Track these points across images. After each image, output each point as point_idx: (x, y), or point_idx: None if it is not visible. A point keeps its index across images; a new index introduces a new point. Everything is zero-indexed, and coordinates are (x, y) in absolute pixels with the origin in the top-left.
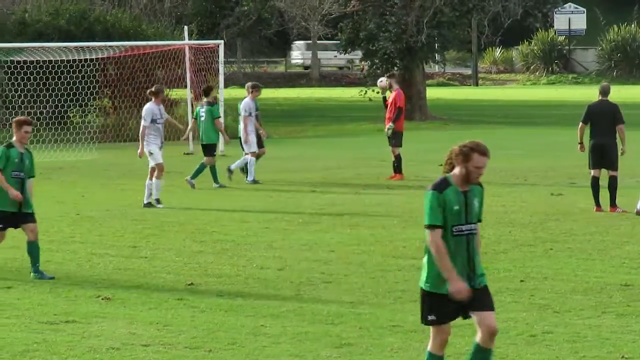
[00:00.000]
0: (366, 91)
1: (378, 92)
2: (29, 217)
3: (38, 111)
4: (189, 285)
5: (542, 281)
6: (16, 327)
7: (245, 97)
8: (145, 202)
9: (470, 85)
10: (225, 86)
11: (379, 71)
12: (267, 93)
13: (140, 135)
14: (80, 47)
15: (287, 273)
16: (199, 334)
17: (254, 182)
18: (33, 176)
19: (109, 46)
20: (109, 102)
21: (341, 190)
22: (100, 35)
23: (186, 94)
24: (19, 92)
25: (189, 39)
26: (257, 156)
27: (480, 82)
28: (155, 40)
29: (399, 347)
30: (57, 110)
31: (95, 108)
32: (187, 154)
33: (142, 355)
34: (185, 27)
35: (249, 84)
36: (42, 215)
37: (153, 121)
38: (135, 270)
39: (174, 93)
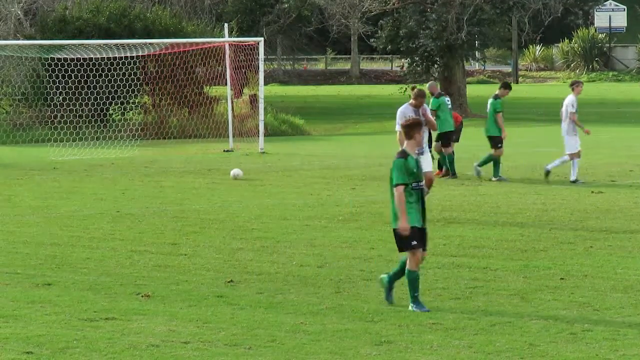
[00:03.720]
0: (406, 89)
1: None
2: None
3: (79, 108)
4: (229, 282)
5: (582, 279)
6: (56, 323)
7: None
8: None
9: (510, 82)
10: (266, 83)
11: (418, 69)
12: (307, 90)
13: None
14: (121, 45)
15: (327, 270)
16: (238, 332)
17: (576, 182)
18: None
19: (149, 44)
20: (149, 99)
21: (381, 187)
22: (140, 33)
23: (226, 91)
24: (60, 90)
25: (229, 37)
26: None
27: (520, 79)
28: (195, 37)
29: (438, 345)
30: (97, 108)
31: (135, 105)
32: (227, 151)
33: (181, 352)
34: (226, 25)
35: (573, 81)
36: (83, 212)
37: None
38: (175, 267)
39: (214, 90)
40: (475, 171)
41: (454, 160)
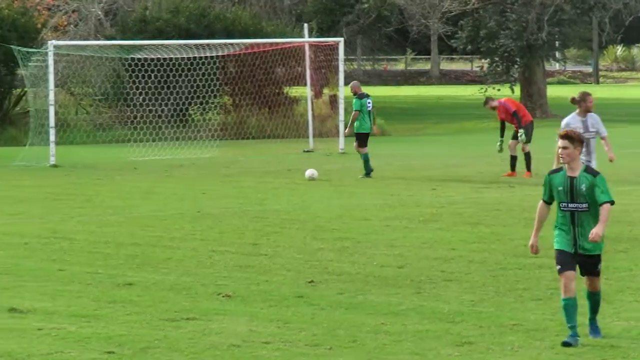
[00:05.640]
0: (486, 89)
1: (499, 90)
2: None
3: (159, 108)
4: (310, 282)
5: None
6: (137, 323)
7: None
8: None
9: (590, 83)
10: (346, 84)
11: (499, 69)
12: (387, 91)
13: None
14: (200, 45)
15: (408, 271)
16: (319, 332)
17: None
18: None
19: (229, 44)
20: (229, 99)
21: (461, 188)
22: (220, 33)
23: (306, 91)
24: (140, 90)
25: (309, 37)
26: None
27: (601, 80)
28: (275, 37)
29: (519, 346)
30: (177, 108)
31: (215, 105)
32: (307, 151)
33: (262, 352)
34: (305, 25)
35: None
36: (163, 212)
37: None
38: (256, 267)
39: (294, 91)
40: None
41: (369, 159)
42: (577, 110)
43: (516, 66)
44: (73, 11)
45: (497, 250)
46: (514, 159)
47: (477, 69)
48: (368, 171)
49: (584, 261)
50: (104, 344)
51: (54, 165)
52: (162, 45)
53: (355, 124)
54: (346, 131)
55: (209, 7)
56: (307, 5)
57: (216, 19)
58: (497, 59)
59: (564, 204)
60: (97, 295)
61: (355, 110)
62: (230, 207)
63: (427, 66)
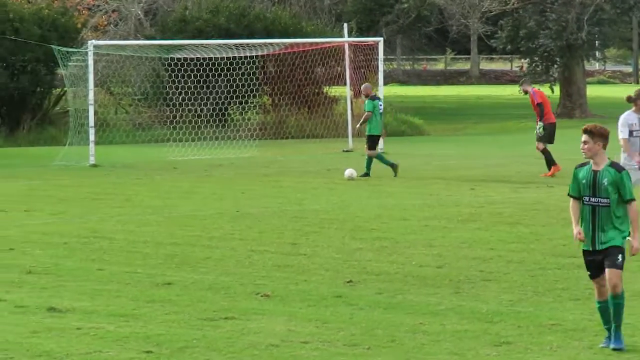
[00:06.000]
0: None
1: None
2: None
3: (198, 108)
4: (348, 282)
5: None
6: (176, 323)
7: None
8: None
9: (630, 83)
10: (385, 83)
11: (538, 69)
12: (426, 91)
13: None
14: (240, 45)
15: (446, 271)
16: (357, 332)
17: None
18: None
19: (269, 43)
20: (269, 99)
21: (500, 188)
22: (260, 33)
23: (345, 91)
24: (180, 89)
25: (349, 36)
26: None
27: None
28: (314, 37)
29: (558, 346)
30: (217, 108)
31: (254, 105)
32: (346, 151)
33: (301, 352)
34: (345, 25)
35: None
36: (203, 212)
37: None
38: (295, 267)
39: (334, 90)
40: None
41: (372, 162)
42: (633, 108)
43: (556, 66)
44: (113, 11)
45: (536, 250)
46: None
47: (517, 68)
48: (367, 172)
49: (605, 255)
50: (142, 343)
51: (94, 165)
52: (201, 45)
53: (367, 126)
54: (357, 127)
55: (248, 6)
56: (346, 5)
57: (256, 18)
58: (536, 58)
59: (586, 197)
60: (136, 295)
61: (368, 111)
62: (269, 207)
63: (466, 66)
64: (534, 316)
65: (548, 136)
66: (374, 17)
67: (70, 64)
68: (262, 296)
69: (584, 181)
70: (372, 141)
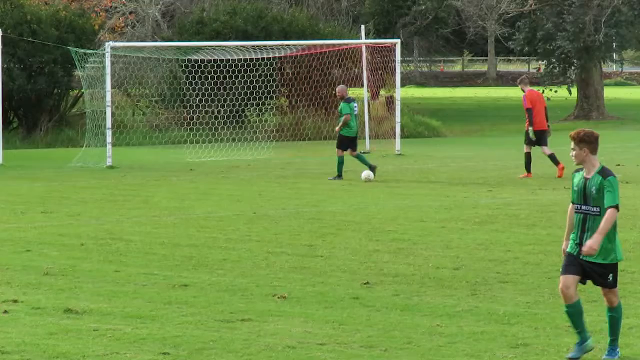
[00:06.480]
0: (543, 90)
1: (556, 91)
2: None
3: (215, 110)
4: (365, 284)
5: None
6: (193, 324)
7: None
8: None
9: None
10: (402, 85)
11: (555, 71)
12: (443, 92)
13: None
14: (257, 46)
15: (463, 272)
16: (374, 333)
17: None
18: None
19: (286, 45)
20: (286, 101)
21: (517, 190)
22: (277, 35)
23: (363, 93)
24: (197, 91)
25: (366, 38)
26: None
27: None
28: (332, 39)
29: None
30: (234, 109)
31: (271, 107)
32: (363, 152)
33: (318, 354)
34: (362, 26)
35: None
36: (219, 213)
37: None
38: (311, 269)
39: (351, 92)
40: None
41: (343, 162)
42: None
43: (573, 68)
44: (130, 13)
45: (553, 252)
46: (552, 157)
47: (534, 70)
48: (339, 174)
49: (590, 269)
50: (159, 345)
51: (111, 167)
52: (219, 46)
53: (345, 129)
54: (336, 130)
55: (266, 8)
56: (364, 6)
57: (273, 20)
58: (554, 60)
59: (577, 205)
60: (153, 297)
61: (346, 114)
62: (286, 209)
63: (483, 68)
64: (550, 318)
65: (538, 141)
66: (391, 19)
67: (87, 65)
68: (278, 298)
69: (575, 188)
70: (350, 142)
